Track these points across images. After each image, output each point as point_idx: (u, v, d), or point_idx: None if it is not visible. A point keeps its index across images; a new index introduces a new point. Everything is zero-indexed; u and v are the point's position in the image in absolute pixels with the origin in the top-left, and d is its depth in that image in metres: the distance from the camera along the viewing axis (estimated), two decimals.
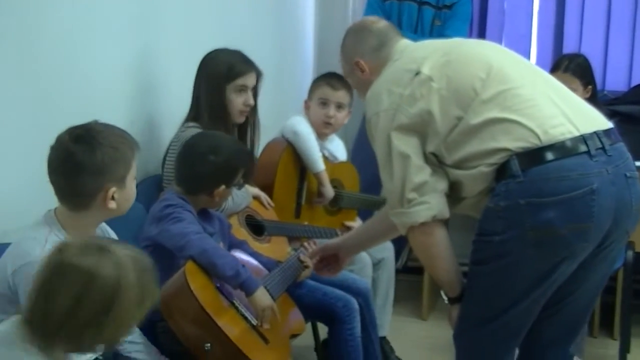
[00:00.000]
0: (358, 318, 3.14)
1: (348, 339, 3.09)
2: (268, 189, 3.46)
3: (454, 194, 2.33)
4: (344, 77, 2.80)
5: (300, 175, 3.66)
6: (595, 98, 3.84)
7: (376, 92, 2.39)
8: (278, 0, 4.60)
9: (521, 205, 2.16)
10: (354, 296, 3.18)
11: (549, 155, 2.17)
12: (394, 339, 3.82)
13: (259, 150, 3.48)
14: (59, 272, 1.75)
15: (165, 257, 2.57)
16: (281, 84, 4.48)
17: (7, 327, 1.84)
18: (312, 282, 3.14)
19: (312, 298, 3.10)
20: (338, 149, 3.89)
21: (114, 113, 2.68)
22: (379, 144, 2.35)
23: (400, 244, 4.05)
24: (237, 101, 3.14)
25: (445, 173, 2.31)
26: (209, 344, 2.40)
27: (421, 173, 2.27)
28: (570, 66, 3.81)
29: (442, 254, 2.34)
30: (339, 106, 3.69)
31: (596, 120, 2.30)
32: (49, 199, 2.22)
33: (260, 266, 2.90)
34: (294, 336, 2.90)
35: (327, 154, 3.76)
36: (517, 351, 2.45)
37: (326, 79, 3.74)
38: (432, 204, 2.27)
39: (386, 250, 3.85)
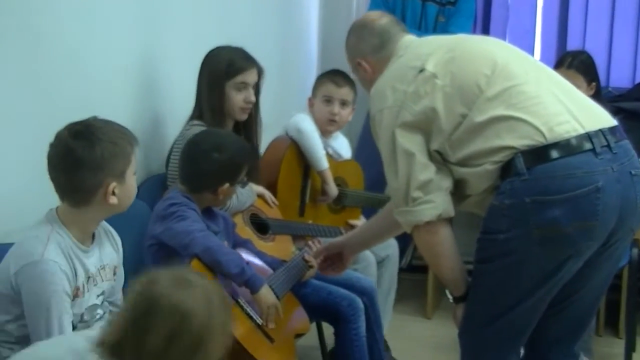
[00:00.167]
0: (363, 317, 3.13)
1: (353, 339, 3.09)
2: (272, 187, 3.46)
3: (458, 191, 2.33)
4: (348, 73, 2.79)
5: (304, 173, 3.66)
6: (599, 95, 3.83)
7: (380, 89, 2.38)
8: None
9: (526, 204, 2.15)
10: (358, 295, 3.18)
11: (554, 153, 2.16)
12: (398, 338, 3.82)
13: (261, 147, 3.47)
14: (152, 309, 1.64)
15: (170, 256, 2.58)
16: (285, 81, 4.47)
17: (82, 343, 1.78)
18: (317, 282, 3.13)
19: (317, 297, 3.10)
20: (342, 146, 3.88)
21: (117, 112, 2.67)
22: (383, 142, 2.34)
23: (404, 242, 4.04)
24: (238, 98, 3.13)
25: (449, 171, 2.30)
26: None
27: (426, 171, 2.26)
28: (574, 63, 3.80)
29: (447, 253, 2.34)
30: (343, 103, 3.69)
31: (601, 118, 2.29)
32: (51, 198, 2.21)
33: (265, 265, 2.89)
34: (298, 336, 2.90)
35: (331, 151, 3.75)
36: (522, 350, 2.45)
37: (330, 76, 3.73)
38: (437, 203, 2.26)
39: (390, 247, 3.84)
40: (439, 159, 2.30)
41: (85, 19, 2.77)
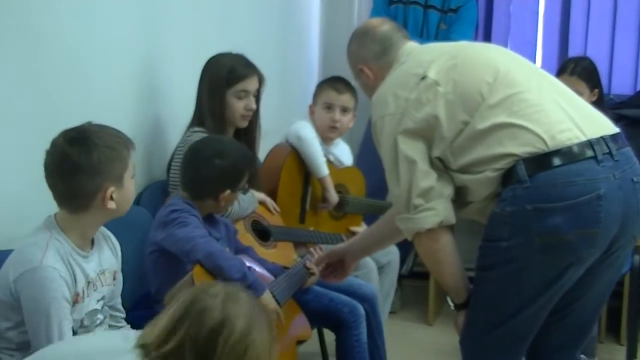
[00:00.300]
0: (364, 324, 3.13)
1: (354, 345, 3.09)
2: (272, 194, 3.46)
3: (459, 198, 2.33)
4: (349, 80, 2.79)
5: (305, 180, 3.66)
6: (602, 101, 3.83)
7: (382, 95, 2.38)
8: (283, 5, 4.60)
9: (528, 211, 2.15)
10: (360, 302, 3.17)
11: (556, 161, 2.16)
12: (399, 344, 3.82)
13: (261, 154, 3.48)
14: (201, 317, 1.66)
15: (172, 262, 2.58)
16: (286, 88, 4.48)
17: (119, 342, 1.78)
18: (318, 288, 3.13)
19: (318, 304, 3.10)
20: (344, 153, 3.88)
21: (118, 118, 2.67)
22: (385, 149, 2.34)
23: (406, 249, 4.04)
24: (238, 106, 3.14)
25: (451, 178, 2.30)
26: None
27: (427, 178, 2.26)
28: (577, 69, 3.80)
29: (448, 260, 2.33)
30: (344, 110, 3.69)
31: (603, 125, 2.29)
32: (52, 204, 2.21)
33: (266, 272, 2.89)
34: (300, 342, 2.90)
35: (332, 158, 3.75)
36: (524, 358, 2.44)
37: (330, 82, 3.73)
38: (438, 210, 2.26)
39: (391, 254, 3.84)
40: (441, 166, 2.29)
41: (86, 25, 2.77)
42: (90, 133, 2.16)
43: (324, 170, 3.60)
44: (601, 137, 2.21)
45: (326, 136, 3.71)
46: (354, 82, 3.02)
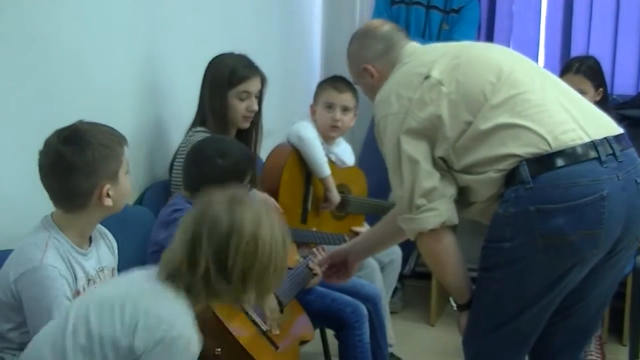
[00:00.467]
0: (367, 324, 3.13)
1: (357, 345, 3.09)
2: (273, 194, 3.45)
3: (462, 199, 2.33)
4: (350, 81, 2.79)
5: (306, 180, 3.65)
6: (606, 100, 3.84)
7: (385, 95, 2.38)
8: (285, 5, 4.60)
9: (531, 212, 2.15)
10: (362, 302, 3.18)
11: (559, 162, 2.15)
12: (401, 345, 3.81)
13: (263, 155, 3.47)
14: (207, 224, 1.84)
15: None
16: (288, 89, 4.48)
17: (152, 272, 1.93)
18: (321, 288, 3.13)
19: (321, 304, 3.10)
20: (345, 153, 3.88)
21: (121, 118, 2.68)
22: (388, 148, 2.34)
23: (408, 249, 4.04)
24: (240, 107, 3.13)
25: (453, 178, 2.30)
26: (219, 349, 2.40)
27: (430, 178, 2.26)
28: (582, 68, 3.80)
29: (451, 260, 2.33)
30: (345, 109, 3.68)
31: (607, 126, 2.28)
32: (51, 204, 2.22)
33: None
34: (303, 343, 2.90)
35: (334, 158, 3.75)
36: (526, 358, 2.44)
37: (331, 82, 3.73)
38: (441, 211, 2.26)
39: (393, 254, 3.84)
40: (444, 166, 2.29)
41: (88, 26, 2.78)
42: (83, 132, 2.17)
43: (326, 170, 3.60)
44: (605, 138, 2.21)
45: (327, 136, 3.71)
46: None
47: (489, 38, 4.93)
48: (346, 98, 3.68)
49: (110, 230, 2.38)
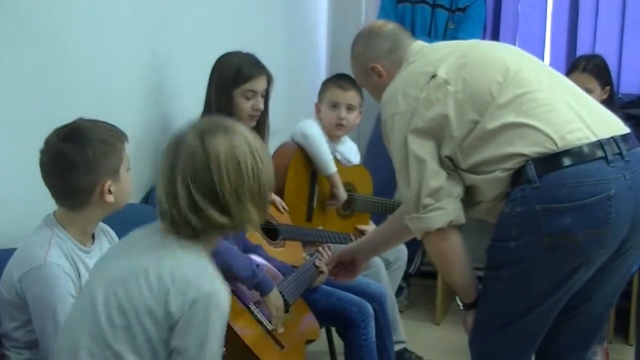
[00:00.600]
0: (373, 323, 3.13)
1: (362, 344, 3.08)
2: (278, 193, 3.46)
3: (469, 198, 2.32)
4: (357, 82, 2.78)
5: (311, 179, 3.66)
6: (613, 99, 3.83)
7: (392, 94, 2.38)
8: (291, 4, 4.60)
9: (537, 211, 2.14)
10: (368, 301, 3.17)
11: (566, 161, 2.15)
12: (407, 344, 3.80)
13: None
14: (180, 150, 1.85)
15: None
16: (294, 87, 4.48)
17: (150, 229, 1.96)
18: (327, 287, 3.13)
19: (327, 303, 3.10)
20: (351, 151, 3.88)
21: (127, 117, 2.68)
22: (395, 147, 2.34)
23: (413, 247, 4.04)
24: (246, 106, 3.12)
25: (460, 177, 2.30)
26: (224, 348, 2.40)
27: (437, 178, 2.26)
28: (589, 66, 3.79)
29: (457, 259, 2.33)
30: (350, 107, 3.69)
31: (613, 125, 2.28)
32: (54, 202, 2.23)
33: (275, 269, 2.89)
34: (308, 342, 2.90)
35: (339, 156, 3.75)
36: (533, 358, 2.44)
37: (335, 80, 3.73)
38: (448, 210, 2.26)
39: (399, 252, 3.84)
40: (450, 165, 2.29)
41: (94, 25, 2.78)
42: (83, 129, 2.17)
43: (332, 167, 3.60)
44: (612, 138, 2.20)
45: (333, 134, 3.71)
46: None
47: (495, 37, 4.92)
48: (351, 96, 3.68)
49: (115, 229, 2.38)
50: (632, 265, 2.39)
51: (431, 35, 4.51)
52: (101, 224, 2.34)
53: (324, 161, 3.59)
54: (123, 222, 2.35)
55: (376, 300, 3.27)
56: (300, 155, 3.59)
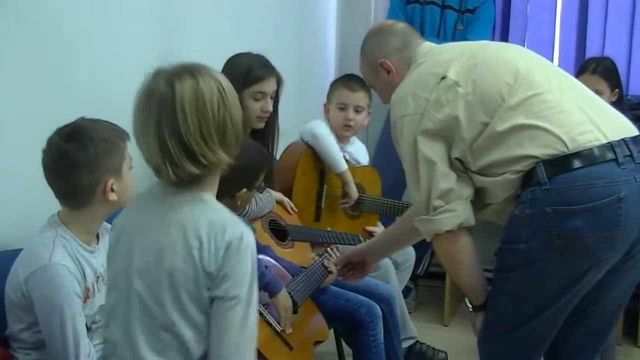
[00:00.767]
0: (381, 324, 3.13)
1: (371, 345, 3.08)
2: (287, 193, 3.45)
3: (478, 200, 2.32)
4: (364, 80, 2.78)
5: (320, 178, 3.66)
6: (622, 101, 3.82)
7: (401, 95, 2.38)
8: (300, 5, 4.60)
9: (548, 213, 2.14)
10: (376, 302, 3.17)
11: (576, 163, 2.15)
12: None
13: (277, 154, 3.47)
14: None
15: None
16: (302, 88, 4.48)
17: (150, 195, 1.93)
18: (335, 288, 3.13)
19: (335, 304, 3.10)
20: (359, 152, 3.88)
21: (130, 117, 2.67)
22: (404, 149, 2.34)
23: (422, 249, 4.03)
24: (254, 107, 3.12)
25: (470, 179, 2.29)
26: None
27: (447, 180, 2.26)
28: (598, 68, 3.79)
29: (467, 261, 2.33)
30: (358, 108, 3.68)
31: (624, 127, 2.27)
32: (58, 203, 2.23)
33: (283, 270, 2.89)
34: (317, 343, 2.90)
35: (348, 157, 3.75)
36: (542, 359, 2.43)
37: (344, 81, 3.73)
38: (458, 212, 2.25)
39: (407, 253, 3.84)
40: (460, 167, 2.29)
41: (103, 26, 2.78)
42: (85, 128, 2.18)
43: (343, 165, 3.60)
44: (622, 140, 2.20)
45: (341, 135, 3.71)
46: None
47: (504, 38, 4.91)
48: (359, 97, 3.68)
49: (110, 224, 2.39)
50: None
51: (440, 36, 4.51)
52: (105, 224, 2.34)
53: (335, 159, 3.59)
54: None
55: (384, 302, 3.26)
56: (309, 155, 3.59)
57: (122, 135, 2.23)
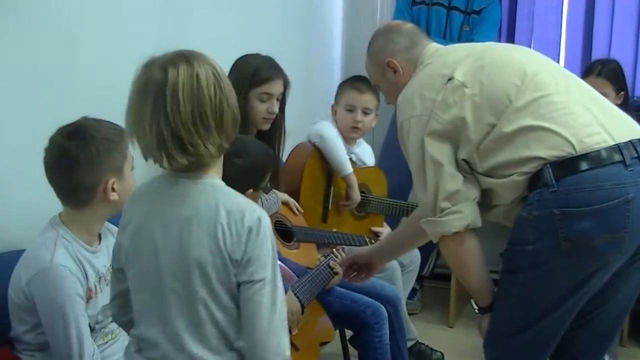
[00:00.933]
0: (387, 325, 3.13)
1: (377, 346, 3.08)
2: (294, 193, 3.46)
3: (485, 201, 2.32)
4: (371, 82, 2.77)
5: (327, 180, 3.66)
6: (627, 104, 3.82)
7: (408, 97, 2.37)
8: (306, 6, 4.60)
9: (555, 215, 2.13)
10: (382, 303, 3.17)
11: (584, 165, 2.14)
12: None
13: (284, 155, 3.47)
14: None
15: None
16: (309, 89, 4.48)
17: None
18: (341, 289, 3.13)
19: (341, 305, 3.10)
20: (366, 153, 3.88)
21: None
22: (411, 151, 2.34)
23: (427, 250, 4.03)
24: (260, 108, 3.12)
25: (477, 181, 2.29)
26: None
27: (454, 181, 2.26)
28: (604, 71, 3.79)
29: (473, 263, 2.33)
30: (366, 110, 3.68)
31: (631, 129, 2.27)
32: (60, 203, 2.23)
33: (289, 270, 2.89)
34: (323, 343, 2.90)
35: (354, 158, 3.75)
36: None
37: (351, 82, 3.73)
38: (465, 214, 2.25)
39: (412, 254, 3.83)
40: (467, 169, 2.29)
41: (108, 25, 2.78)
42: (87, 127, 2.18)
43: (348, 168, 3.60)
44: (629, 141, 2.19)
45: (348, 136, 3.71)
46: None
47: (510, 39, 4.91)
48: (367, 99, 3.68)
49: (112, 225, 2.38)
50: None
51: (446, 37, 4.51)
52: (108, 224, 2.34)
53: (341, 162, 3.59)
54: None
55: (390, 303, 3.26)
56: (317, 156, 3.59)
57: (124, 135, 2.23)
